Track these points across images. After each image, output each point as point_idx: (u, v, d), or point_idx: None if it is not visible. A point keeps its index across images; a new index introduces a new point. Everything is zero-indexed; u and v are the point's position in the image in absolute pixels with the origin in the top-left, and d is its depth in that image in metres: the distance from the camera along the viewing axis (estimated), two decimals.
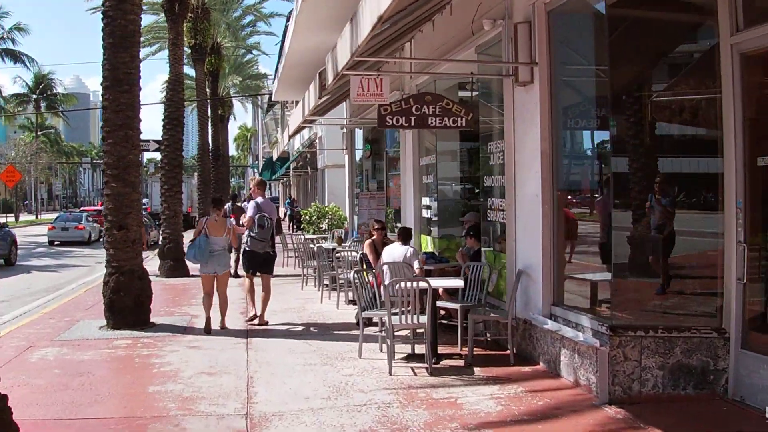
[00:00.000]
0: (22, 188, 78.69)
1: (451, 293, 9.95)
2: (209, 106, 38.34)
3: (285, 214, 39.95)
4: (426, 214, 13.40)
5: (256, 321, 11.44)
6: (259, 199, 11.64)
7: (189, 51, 35.50)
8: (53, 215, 44.51)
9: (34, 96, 67.60)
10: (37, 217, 68.79)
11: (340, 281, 12.76)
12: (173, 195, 18.96)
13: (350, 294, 13.19)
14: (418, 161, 13.64)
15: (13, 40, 56.14)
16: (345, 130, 21.47)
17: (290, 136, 14.39)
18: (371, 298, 9.60)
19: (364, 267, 11.89)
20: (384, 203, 18.51)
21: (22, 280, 20.60)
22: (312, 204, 22.64)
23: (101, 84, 11.22)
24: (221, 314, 11.05)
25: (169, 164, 19.07)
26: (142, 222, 11.37)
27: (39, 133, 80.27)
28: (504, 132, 9.23)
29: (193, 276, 18.26)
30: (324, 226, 21.59)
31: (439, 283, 9.33)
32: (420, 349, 9.00)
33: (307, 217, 21.78)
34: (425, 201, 13.42)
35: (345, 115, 21.82)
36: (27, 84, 66.98)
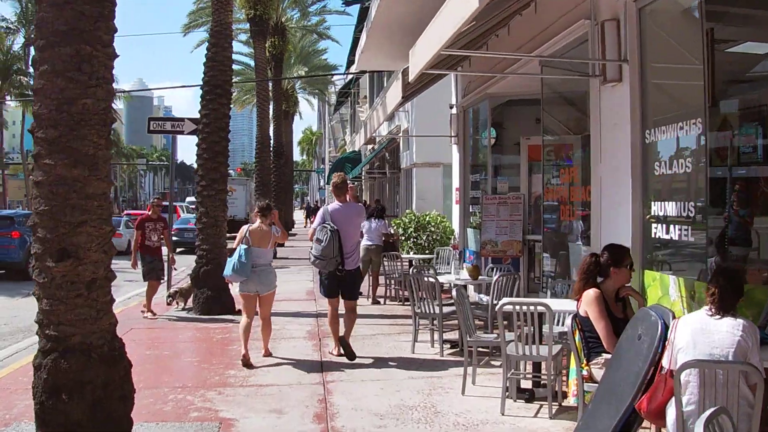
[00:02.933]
0: None
1: None
2: (271, 101, 32.87)
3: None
4: (663, 233, 7.12)
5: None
6: (332, 206, 9.28)
7: (248, 27, 30.24)
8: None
9: None
10: None
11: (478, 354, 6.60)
12: (213, 195, 12.97)
13: (517, 378, 7.06)
14: (641, 136, 7.44)
15: None
16: (456, 110, 15.34)
17: (407, 94, 8.33)
18: None
19: (578, 344, 5.75)
20: (523, 212, 12.46)
21: (10, 308, 14.94)
22: (407, 212, 16.55)
23: None
24: (263, 340, 9.05)
25: (208, 150, 13.08)
26: (110, 244, 5.34)
27: None
28: None
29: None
30: (422, 242, 15.49)
31: None
32: None
33: (400, 230, 15.62)
34: (664, 208, 7.12)
35: (454, 93, 15.78)
36: None
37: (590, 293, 5.54)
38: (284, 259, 21.78)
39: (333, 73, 44.52)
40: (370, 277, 13.67)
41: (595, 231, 8.39)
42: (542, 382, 6.98)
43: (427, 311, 9.09)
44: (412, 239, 15.45)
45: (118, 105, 70.58)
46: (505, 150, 14.26)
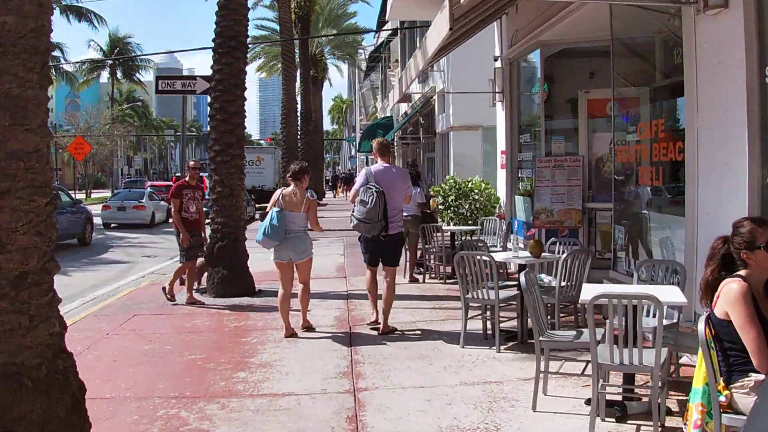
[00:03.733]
0: (107, 163, 72.75)
1: None
2: (299, 66, 31.34)
3: None
4: None
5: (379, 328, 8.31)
6: (375, 167, 8.56)
7: None
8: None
9: (109, 61, 60.93)
10: (113, 193, 63.17)
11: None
12: (228, 161, 11.39)
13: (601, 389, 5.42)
14: (760, 75, 5.75)
15: None
16: (501, 63, 13.64)
17: (456, 29, 6.69)
18: None
19: (713, 357, 4.12)
20: (582, 176, 10.87)
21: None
22: (448, 177, 14.87)
23: None
24: (302, 310, 8.38)
25: (221, 111, 11.50)
26: (48, 223, 3.79)
27: (126, 105, 75.04)
28: None
29: (261, 293, 11.01)
30: (464, 211, 13.85)
31: None
32: None
33: (440, 197, 13.98)
34: None
35: (498, 43, 14.08)
36: (101, 48, 60.61)
37: (733, 288, 3.86)
38: (313, 231, 20.34)
39: (363, 30, 42.71)
40: (407, 252, 12.05)
41: (691, 199, 6.74)
42: (635, 392, 5.42)
43: (480, 297, 7.49)
44: (452, 209, 13.83)
45: (146, 77, 69.24)
46: (556, 107, 12.55)
